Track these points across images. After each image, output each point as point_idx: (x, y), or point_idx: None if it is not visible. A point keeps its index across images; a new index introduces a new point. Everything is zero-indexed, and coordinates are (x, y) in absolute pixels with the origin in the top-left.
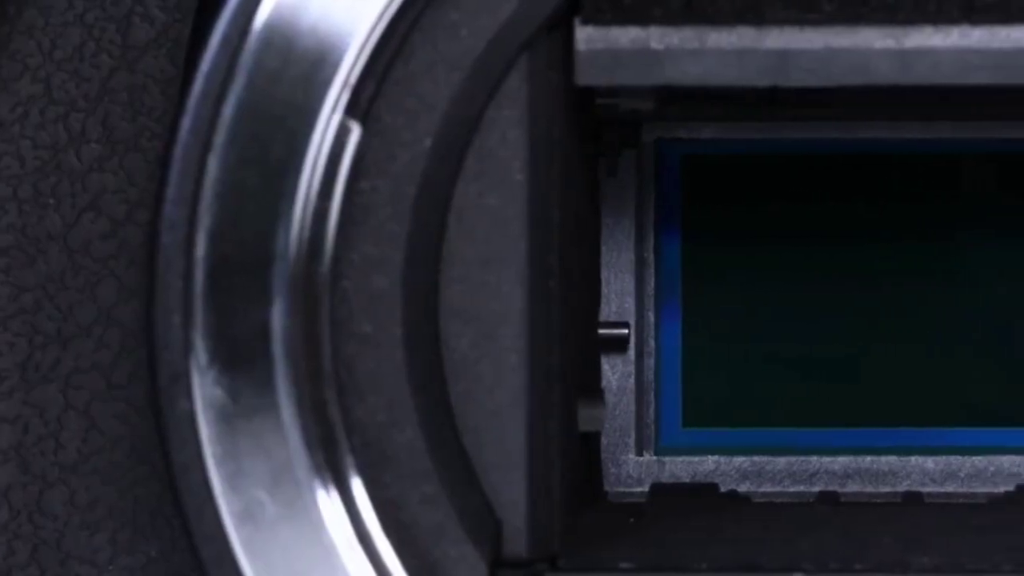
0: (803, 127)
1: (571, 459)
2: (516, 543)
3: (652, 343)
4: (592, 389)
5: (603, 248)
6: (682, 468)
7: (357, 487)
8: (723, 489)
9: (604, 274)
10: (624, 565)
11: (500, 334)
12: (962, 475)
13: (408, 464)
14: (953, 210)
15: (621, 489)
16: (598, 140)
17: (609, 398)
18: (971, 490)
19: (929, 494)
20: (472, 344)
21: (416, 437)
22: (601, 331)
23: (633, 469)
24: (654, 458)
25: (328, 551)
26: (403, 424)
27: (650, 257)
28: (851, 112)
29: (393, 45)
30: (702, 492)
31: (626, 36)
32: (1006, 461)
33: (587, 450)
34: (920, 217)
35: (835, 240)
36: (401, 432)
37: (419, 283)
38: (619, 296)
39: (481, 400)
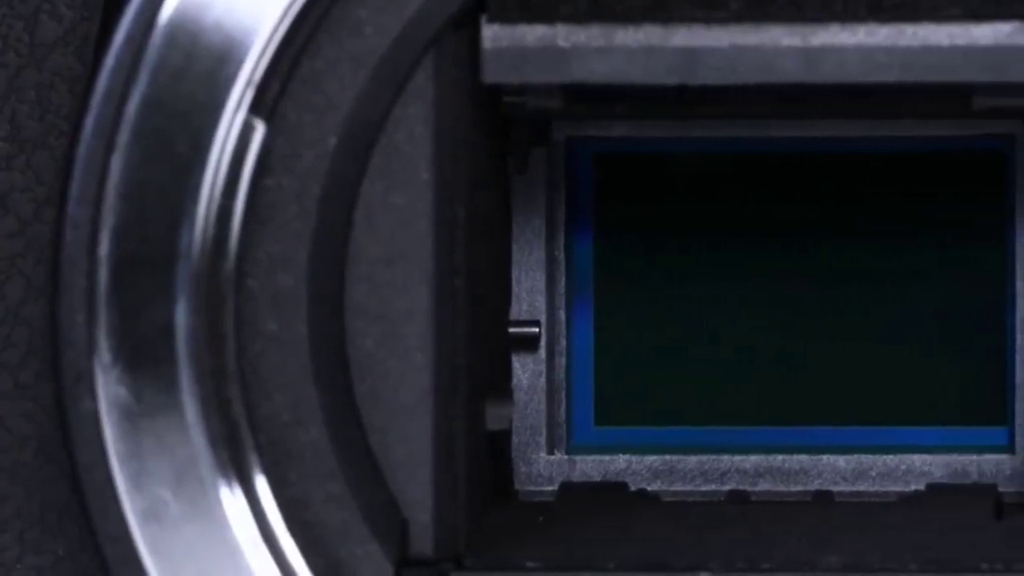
0: (715, 125)
1: (479, 458)
2: (422, 542)
3: (563, 342)
4: (502, 388)
5: (513, 246)
6: (593, 467)
7: (262, 486)
8: (633, 488)
9: (515, 273)
10: (531, 564)
11: (406, 333)
12: (873, 474)
13: (313, 463)
14: (865, 209)
15: (532, 488)
16: (507, 138)
17: (520, 397)
18: (882, 489)
19: (840, 493)
20: (378, 343)
21: (321, 436)
22: (511, 330)
23: (544, 468)
24: (565, 457)
25: (232, 550)
26: (308, 423)
27: (561, 255)
28: (765, 110)
29: (298, 43)
30: (611, 491)
31: (533, 34)
32: (917, 460)
33: (497, 449)
34: (832, 215)
35: (747, 238)
36: (306, 431)
37: (324, 281)
38: (530, 295)
39: (387, 399)
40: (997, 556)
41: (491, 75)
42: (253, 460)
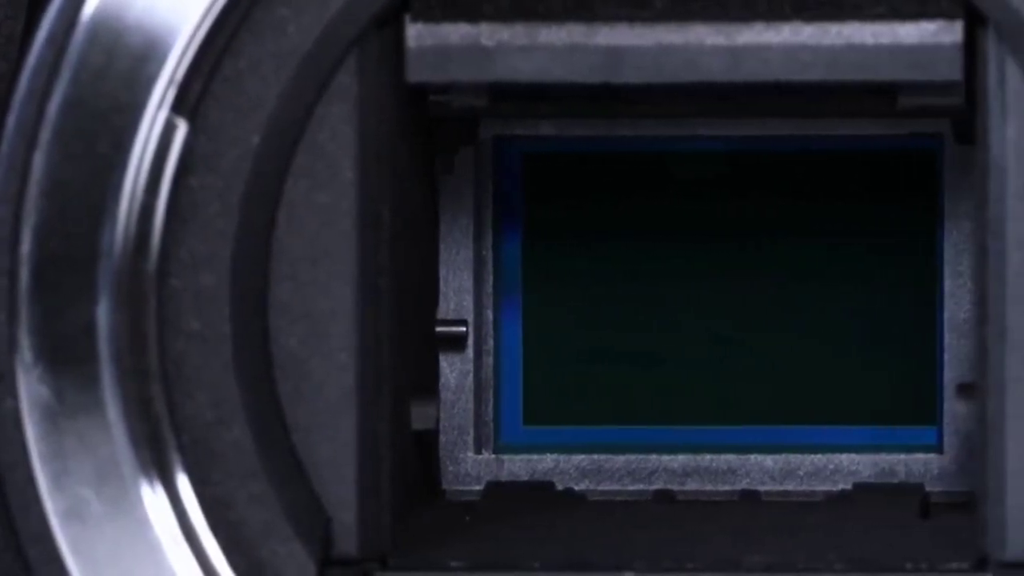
0: (643, 124)
1: (404, 457)
2: (346, 541)
3: (491, 341)
4: (429, 387)
5: (441, 246)
6: (521, 466)
7: (184, 485)
8: (560, 487)
9: (442, 272)
10: (455, 564)
11: (329, 332)
12: (801, 473)
13: (236, 462)
14: (794, 208)
15: (459, 488)
16: (434, 137)
17: (447, 396)
18: (810, 488)
19: (767, 492)
20: (301, 342)
21: (244, 435)
22: (439, 329)
23: (471, 467)
24: (492, 456)
25: (154, 549)
26: (231, 422)
27: (488, 255)
28: (693, 109)
29: (220, 42)
30: (538, 490)
31: (456, 33)
32: (845, 459)
33: (423, 448)
34: (761, 215)
35: (675, 238)
36: (229, 430)
37: (248, 280)
38: (458, 294)
39: (311, 398)
40: (922, 555)
41: (415, 74)
42: (175, 459)
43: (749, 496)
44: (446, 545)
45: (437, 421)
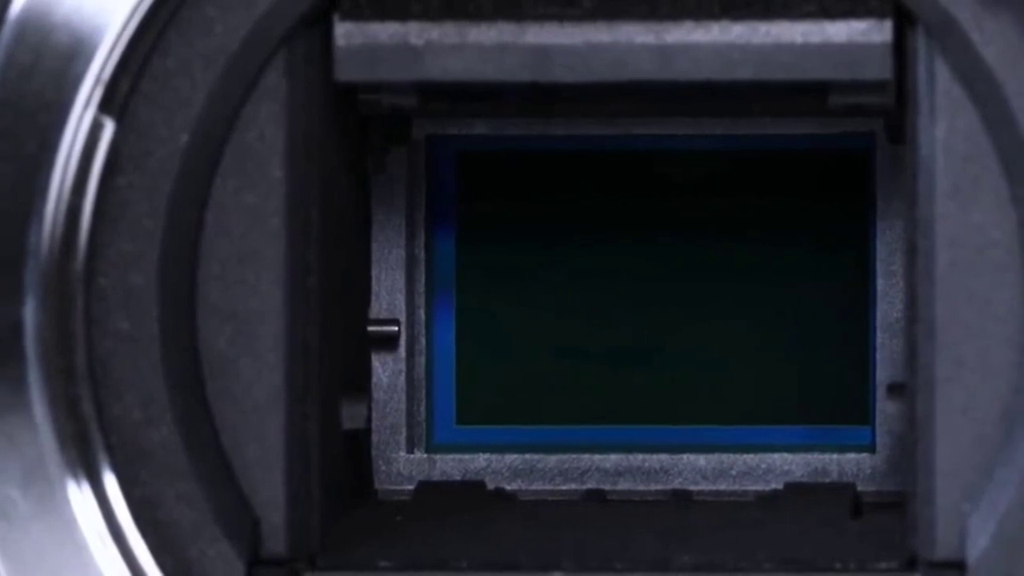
0: (577, 124)
1: (334, 457)
2: (275, 541)
3: (423, 341)
4: (360, 386)
5: (373, 245)
6: (453, 466)
7: (111, 485)
8: (492, 487)
9: (375, 271)
10: (383, 563)
11: (258, 332)
12: (733, 473)
13: (164, 462)
14: (728, 207)
15: (391, 487)
16: (367, 136)
17: (380, 396)
18: (742, 488)
19: (700, 492)
20: (230, 342)
21: (172, 435)
22: (371, 328)
23: (404, 467)
24: (425, 456)
25: (81, 549)
26: (159, 422)
27: (421, 254)
28: (626, 108)
29: (148, 41)
30: (469, 490)
31: (385, 32)
32: (777, 459)
33: (354, 448)
34: (695, 214)
35: (609, 237)
36: (157, 430)
37: (176, 280)
38: (390, 293)
39: (239, 398)
40: (852, 555)
41: (344, 73)
42: (103, 459)
43: (680, 496)
44: (376, 545)
45: (369, 421)
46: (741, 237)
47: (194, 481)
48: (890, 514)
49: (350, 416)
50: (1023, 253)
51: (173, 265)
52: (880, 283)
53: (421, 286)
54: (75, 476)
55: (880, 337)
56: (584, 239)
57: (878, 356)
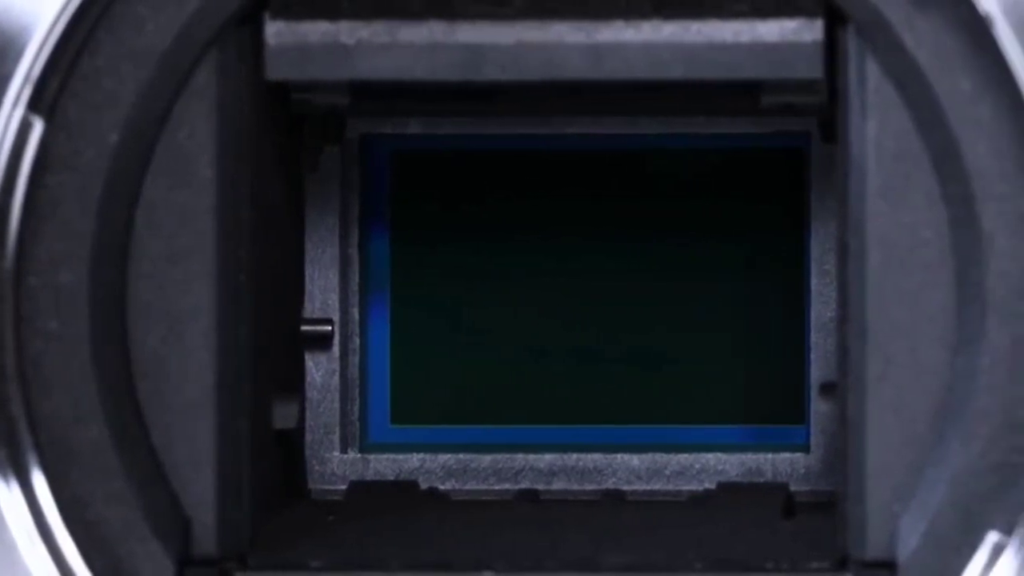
0: (512, 123)
1: (266, 456)
2: (205, 541)
3: (357, 340)
4: (293, 386)
5: (307, 244)
6: (387, 465)
7: (40, 484)
8: (425, 486)
9: (308, 271)
10: (315, 563)
11: (188, 331)
12: (668, 473)
13: (94, 461)
14: (663, 206)
15: (325, 487)
16: (299, 135)
17: (313, 395)
18: (676, 487)
19: (634, 492)
20: (160, 340)
21: (102, 434)
22: (304, 328)
23: (337, 467)
24: (359, 455)
25: (9, 548)
26: (89, 421)
27: (355, 253)
28: (562, 107)
29: (78, 39)
30: (401, 490)
31: (316, 30)
32: (711, 459)
33: (287, 448)
34: (631, 212)
35: (544, 236)
36: (87, 429)
37: (107, 279)
38: (323, 292)
39: (170, 397)
40: (783, 555)
41: (274, 72)
42: (31, 458)
43: (613, 495)
44: (307, 544)
45: (301, 420)
46: (676, 236)
47: (124, 480)
48: (823, 514)
49: (282, 416)
50: (954, 252)
51: (103, 264)
52: (814, 282)
53: (355, 285)
54: (3, 475)
55: (814, 336)
56: (518, 239)
57: (812, 355)
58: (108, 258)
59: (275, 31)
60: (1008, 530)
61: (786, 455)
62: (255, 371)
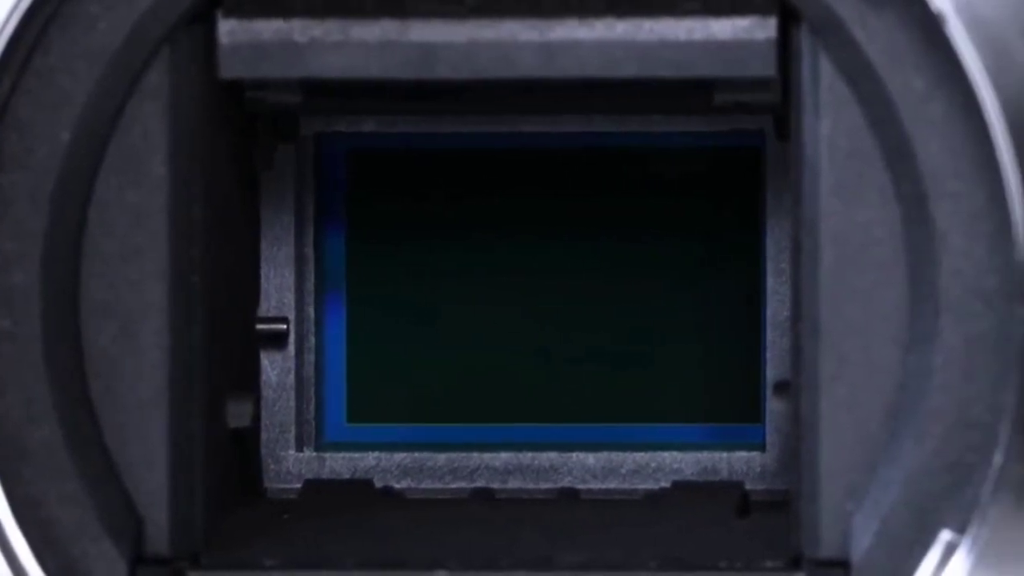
0: (468, 121)
1: (220, 455)
2: (158, 540)
3: (312, 339)
4: (248, 384)
5: (262, 243)
6: (342, 464)
7: None
8: (380, 485)
9: (263, 269)
10: (268, 562)
11: (141, 330)
12: (623, 471)
13: (46, 461)
14: (620, 205)
15: (281, 486)
16: (253, 134)
17: (269, 394)
18: (631, 486)
19: (589, 490)
20: (113, 340)
21: (55, 434)
22: (259, 326)
23: (293, 465)
24: (314, 454)
25: None
26: (41, 420)
27: (310, 252)
28: (517, 106)
29: (29, 38)
30: (356, 489)
31: (269, 29)
32: (668, 457)
33: (242, 447)
34: (587, 211)
35: (499, 235)
36: (39, 428)
37: (59, 278)
38: (279, 291)
39: (122, 396)
40: (737, 554)
41: (227, 70)
42: None
43: (568, 494)
44: (261, 543)
45: (256, 419)
46: (633, 234)
47: (77, 480)
48: (778, 513)
49: (236, 414)
50: (907, 251)
51: (56, 263)
52: (770, 281)
53: (311, 284)
54: None
55: (770, 335)
56: (474, 237)
57: (768, 354)
58: (61, 257)
59: (228, 29)
60: (961, 529)
61: (742, 454)
62: (209, 370)
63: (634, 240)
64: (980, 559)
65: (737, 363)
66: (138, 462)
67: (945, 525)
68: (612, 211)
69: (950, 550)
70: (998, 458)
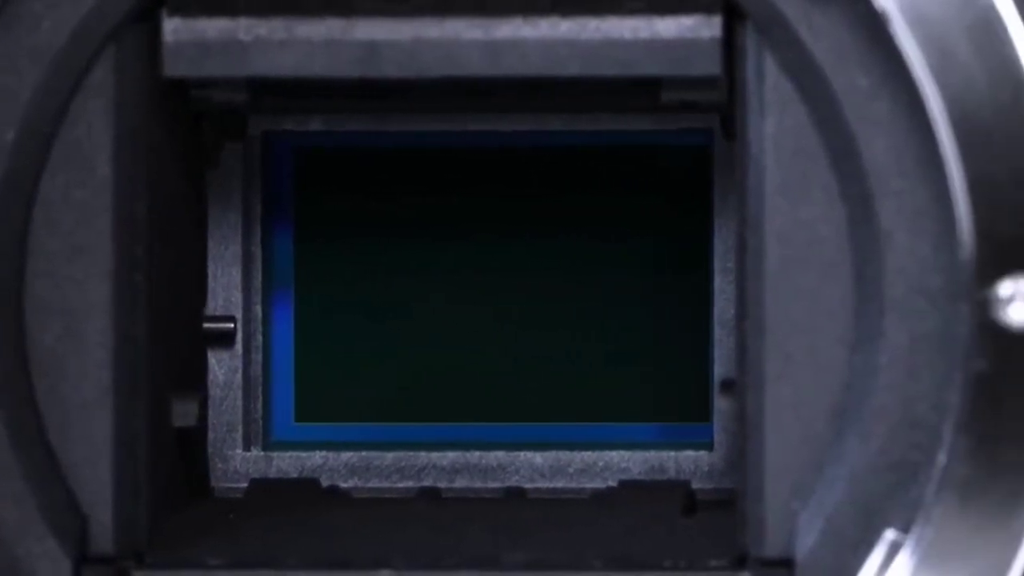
0: (416, 120)
1: (165, 454)
2: (102, 540)
3: (260, 337)
4: (194, 383)
5: (209, 242)
6: (290, 463)
7: None
8: (327, 484)
9: (211, 268)
10: (213, 561)
11: (86, 329)
12: (571, 471)
13: None
14: (568, 204)
15: (228, 485)
16: (200, 132)
17: (216, 393)
18: (579, 485)
19: (537, 489)
20: (57, 338)
21: None
22: (206, 325)
23: (240, 464)
24: (262, 453)
25: None
26: None
27: (258, 251)
28: (466, 104)
29: None
30: (302, 488)
31: (213, 27)
32: (615, 456)
33: (188, 446)
34: (535, 210)
35: (448, 234)
36: None
37: (4, 276)
38: (226, 290)
39: (67, 395)
40: (682, 553)
41: (172, 69)
42: None
43: (515, 493)
44: (206, 543)
45: (202, 418)
46: (581, 233)
47: (21, 479)
48: (724, 512)
49: (181, 413)
50: (852, 249)
51: (0, 261)
52: (717, 279)
53: (258, 283)
54: None
55: (718, 333)
56: (421, 236)
57: (716, 353)
58: (6, 255)
59: (172, 28)
60: (905, 528)
61: (690, 453)
62: (154, 369)
63: (582, 239)
64: (924, 558)
65: (685, 362)
66: (82, 461)
67: (889, 524)
68: (560, 210)
69: (894, 549)
70: (942, 457)
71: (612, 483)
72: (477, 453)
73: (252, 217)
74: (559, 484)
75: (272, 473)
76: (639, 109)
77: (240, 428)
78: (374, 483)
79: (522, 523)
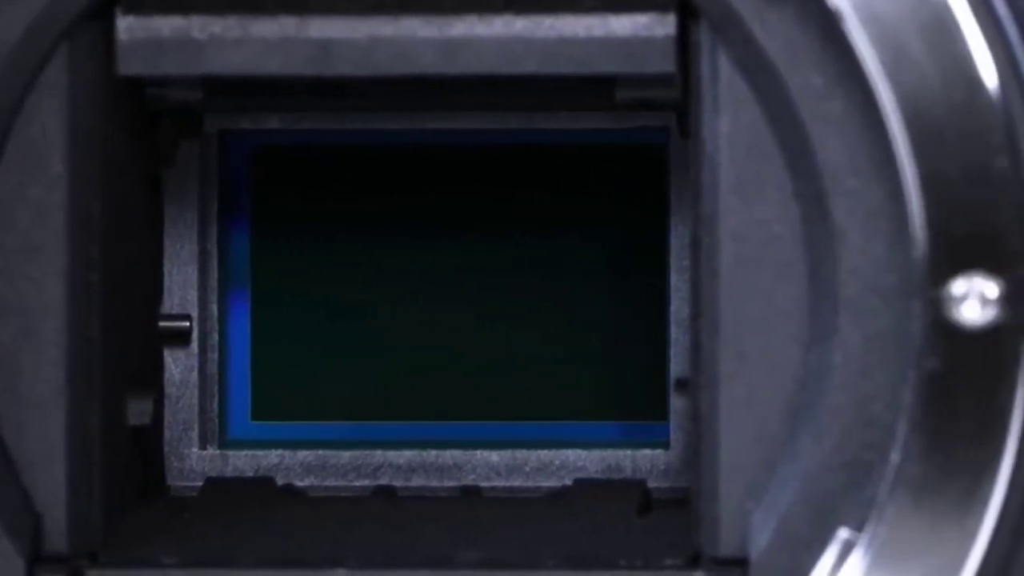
0: (374, 118)
1: (120, 453)
2: (56, 538)
3: (216, 336)
4: (149, 382)
5: (165, 240)
6: (246, 462)
7: None
8: (283, 483)
9: (166, 266)
10: (167, 560)
11: (40, 327)
12: (527, 469)
13: None
14: (525, 202)
15: (184, 484)
16: (155, 130)
17: (172, 391)
18: (535, 484)
19: (492, 488)
20: (12, 336)
21: None
22: (162, 324)
23: (196, 463)
24: (218, 452)
25: None
26: None
27: (214, 249)
28: (423, 102)
29: None
30: (258, 486)
31: (168, 25)
32: (571, 455)
33: (143, 444)
34: (492, 209)
35: (405, 232)
36: None
37: None
38: (182, 288)
39: (21, 393)
40: (636, 552)
41: (126, 67)
42: None
43: (470, 492)
44: (160, 541)
45: (158, 417)
46: (538, 231)
47: None
48: (679, 511)
49: (136, 412)
50: (806, 248)
51: None
52: (674, 278)
53: (214, 281)
54: None
55: (674, 332)
56: (378, 235)
57: (672, 351)
58: None
59: (126, 26)
60: (858, 527)
61: (646, 452)
62: (109, 368)
63: (539, 237)
64: (877, 557)
65: (642, 361)
66: (36, 460)
67: (843, 523)
68: (516, 208)
69: (848, 548)
70: (896, 456)
71: (568, 482)
72: (433, 452)
73: (208, 215)
74: (515, 483)
75: (228, 472)
76: (595, 107)
77: (196, 427)
78: (330, 482)
79: (478, 522)
